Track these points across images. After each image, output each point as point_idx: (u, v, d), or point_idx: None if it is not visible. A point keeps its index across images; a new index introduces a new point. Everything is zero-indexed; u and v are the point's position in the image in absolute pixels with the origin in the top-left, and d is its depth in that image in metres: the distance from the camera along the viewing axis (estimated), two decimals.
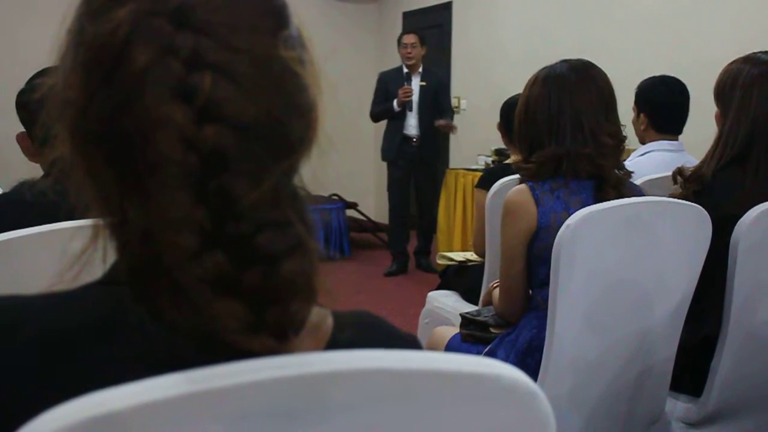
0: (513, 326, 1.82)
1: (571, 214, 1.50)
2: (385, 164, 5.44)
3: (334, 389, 0.48)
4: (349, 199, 6.30)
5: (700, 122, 2.56)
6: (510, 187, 1.79)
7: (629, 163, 2.28)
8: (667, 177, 2.01)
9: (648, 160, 2.53)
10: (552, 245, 1.49)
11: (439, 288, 3.05)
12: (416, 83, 5.15)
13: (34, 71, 1.55)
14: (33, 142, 1.62)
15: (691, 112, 2.68)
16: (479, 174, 3.58)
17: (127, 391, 0.43)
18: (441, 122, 5.08)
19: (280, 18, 0.55)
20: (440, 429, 0.53)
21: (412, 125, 5.16)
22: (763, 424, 1.90)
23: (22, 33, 5.51)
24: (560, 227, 1.49)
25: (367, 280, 5.21)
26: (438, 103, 5.15)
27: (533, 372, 1.59)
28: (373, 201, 7.22)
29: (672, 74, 2.73)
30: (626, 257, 1.57)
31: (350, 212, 6.33)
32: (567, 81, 1.72)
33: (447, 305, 2.79)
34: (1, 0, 5.74)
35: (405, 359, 0.51)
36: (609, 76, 1.78)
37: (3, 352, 0.51)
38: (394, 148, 5.21)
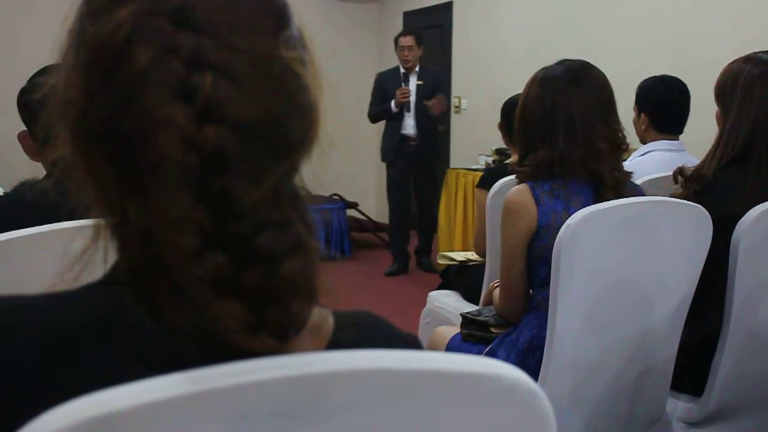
0: (513, 326, 1.82)
1: (572, 213, 1.50)
2: (385, 164, 5.44)
3: (334, 389, 0.48)
4: (350, 198, 6.30)
5: (701, 122, 2.55)
6: (510, 187, 1.79)
7: (629, 163, 2.29)
8: (667, 177, 2.01)
9: (648, 160, 2.53)
10: (552, 245, 1.49)
11: (439, 288, 3.06)
12: (413, 83, 5.15)
13: (35, 71, 1.55)
14: (35, 141, 1.61)
15: (691, 112, 2.68)
16: (480, 174, 3.58)
17: (128, 391, 0.43)
18: (429, 102, 5.02)
19: (280, 18, 0.55)
20: (441, 429, 0.53)
21: (410, 125, 5.16)
22: (763, 423, 1.90)
23: (22, 33, 5.51)
24: (560, 227, 1.49)
25: (368, 280, 5.21)
26: None
27: (534, 372, 1.59)
28: (373, 201, 7.22)
29: (672, 74, 2.73)
30: (627, 257, 1.57)
31: (351, 212, 6.33)
32: (560, 83, 1.71)
33: (448, 305, 2.79)
34: (1, 0, 5.74)
35: (405, 359, 0.51)
36: (609, 76, 1.77)
37: (4, 352, 0.51)
38: (393, 148, 5.22)
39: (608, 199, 1.64)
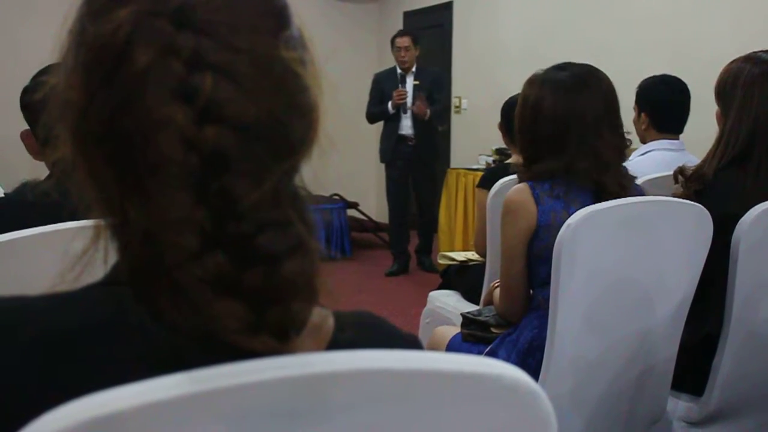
0: (514, 326, 1.82)
1: (571, 213, 1.50)
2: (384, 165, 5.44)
3: (335, 389, 0.48)
4: (351, 198, 6.30)
5: (701, 121, 2.55)
6: (511, 186, 1.79)
7: (629, 163, 2.28)
8: (668, 176, 2.01)
9: (649, 160, 2.53)
10: (552, 245, 1.49)
11: (440, 288, 3.06)
12: (410, 83, 5.15)
13: (35, 71, 1.54)
14: (37, 141, 1.61)
15: (691, 112, 2.68)
16: (480, 174, 3.59)
17: (128, 391, 0.43)
18: (412, 108, 5.05)
19: (280, 18, 0.55)
20: (441, 429, 0.53)
21: (407, 126, 5.16)
22: (764, 423, 1.90)
23: (22, 33, 5.51)
24: (560, 226, 1.49)
25: (369, 280, 5.21)
26: (432, 101, 5.14)
27: (534, 372, 1.59)
28: (374, 201, 7.22)
29: (673, 73, 2.73)
30: (627, 257, 1.57)
31: (351, 212, 6.33)
32: (570, 89, 1.68)
33: (448, 305, 2.79)
34: (1, 0, 5.74)
35: (406, 359, 0.52)
36: (609, 75, 1.76)
37: (5, 352, 0.51)
38: (391, 148, 5.22)
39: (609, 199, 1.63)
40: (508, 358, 1.73)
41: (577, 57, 1.92)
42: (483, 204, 2.53)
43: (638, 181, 1.94)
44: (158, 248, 0.50)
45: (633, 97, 2.69)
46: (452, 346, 2.01)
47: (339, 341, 0.59)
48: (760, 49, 1.93)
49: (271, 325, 0.51)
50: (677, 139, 2.66)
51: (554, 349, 1.54)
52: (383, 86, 5.18)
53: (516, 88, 3.07)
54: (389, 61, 5.28)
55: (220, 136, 0.49)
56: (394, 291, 4.98)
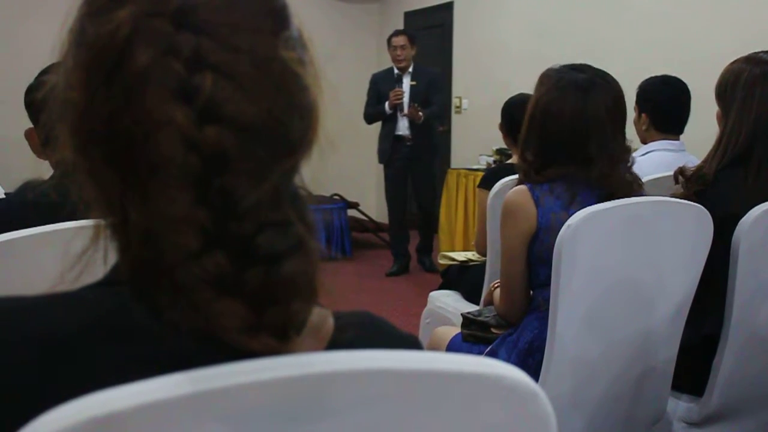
0: (514, 326, 1.82)
1: (571, 214, 1.50)
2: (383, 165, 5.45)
3: (335, 390, 0.48)
4: (351, 199, 6.30)
5: (702, 122, 2.55)
6: (511, 186, 1.78)
7: None
8: (668, 177, 2.01)
9: (649, 160, 2.53)
10: (552, 246, 1.49)
11: (440, 288, 3.05)
12: (407, 83, 5.15)
13: (36, 71, 1.54)
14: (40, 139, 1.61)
15: (692, 112, 2.68)
16: (481, 174, 3.59)
17: (128, 391, 0.43)
18: (405, 114, 5.06)
19: (280, 18, 0.55)
20: (441, 429, 0.53)
21: (404, 126, 5.16)
22: (764, 423, 1.90)
23: (23, 33, 5.51)
24: (560, 228, 1.49)
25: (369, 280, 5.21)
26: (429, 103, 5.14)
27: (534, 372, 1.59)
28: (374, 201, 7.22)
29: (673, 73, 2.73)
30: (627, 257, 1.57)
31: (352, 212, 6.33)
32: (588, 92, 1.66)
33: (448, 305, 2.79)
34: (1, 1, 5.74)
35: (406, 360, 0.52)
36: (610, 75, 1.76)
37: (4, 352, 0.51)
38: (388, 149, 5.22)
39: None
40: (508, 359, 1.73)
41: (578, 57, 1.92)
42: (484, 204, 2.53)
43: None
44: (158, 248, 0.50)
45: (633, 98, 2.69)
46: (452, 347, 2.01)
47: (339, 341, 0.59)
48: (761, 49, 1.93)
49: (271, 325, 0.51)
50: (678, 139, 2.66)
51: (554, 349, 1.54)
52: (380, 87, 5.18)
53: (516, 88, 3.07)
54: (389, 61, 5.28)
55: (221, 136, 0.49)
56: (394, 291, 4.98)
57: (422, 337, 2.65)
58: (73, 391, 0.43)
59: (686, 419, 1.84)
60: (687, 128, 2.68)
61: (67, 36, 0.54)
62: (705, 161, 1.88)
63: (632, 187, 1.70)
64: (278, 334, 0.52)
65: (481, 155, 5.27)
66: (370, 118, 5.30)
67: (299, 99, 0.54)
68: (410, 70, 5.16)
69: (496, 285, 1.94)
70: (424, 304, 2.95)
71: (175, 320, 0.50)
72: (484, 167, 4.83)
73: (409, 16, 7.04)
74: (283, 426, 0.46)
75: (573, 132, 1.66)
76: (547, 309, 1.56)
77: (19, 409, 0.46)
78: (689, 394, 1.85)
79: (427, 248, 5.47)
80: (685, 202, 1.66)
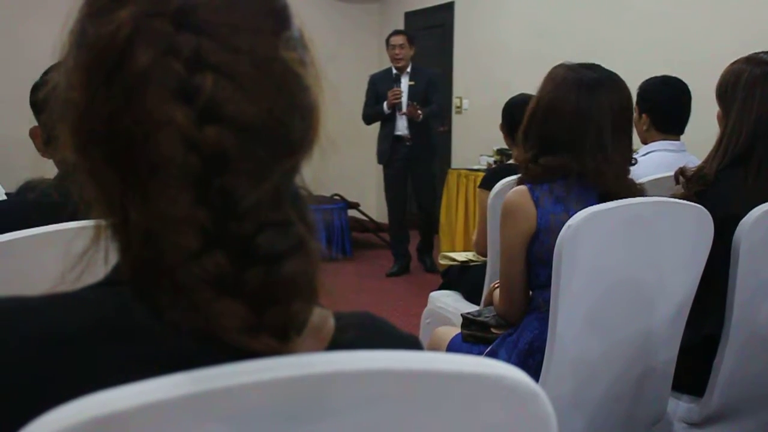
0: (514, 327, 1.82)
1: (572, 215, 1.50)
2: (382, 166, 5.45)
3: (335, 390, 0.48)
4: (351, 199, 6.30)
5: (702, 122, 2.55)
6: (512, 187, 1.78)
7: None
8: (669, 177, 2.00)
9: (649, 161, 2.53)
10: (552, 247, 1.49)
11: (441, 288, 3.05)
12: (405, 83, 5.14)
13: (37, 72, 1.54)
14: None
15: (692, 113, 2.67)
16: (481, 174, 3.59)
17: (129, 391, 0.43)
18: (404, 113, 5.06)
19: (281, 19, 0.55)
20: (441, 429, 0.53)
21: (402, 126, 5.16)
22: (765, 423, 1.89)
23: (24, 33, 5.51)
24: (559, 229, 1.49)
25: (369, 281, 5.21)
26: (428, 102, 5.13)
27: (535, 372, 1.59)
28: (374, 201, 7.22)
29: (673, 74, 2.73)
30: (628, 257, 1.57)
31: (352, 212, 6.33)
32: (594, 90, 1.66)
33: (449, 305, 2.79)
34: (2, 0, 5.74)
35: (406, 360, 0.52)
36: (621, 79, 1.77)
37: (5, 353, 0.51)
38: (388, 149, 5.22)
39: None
40: (508, 359, 1.73)
41: (578, 57, 1.92)
42: (484, 204, 2.53)
43: (639, 182, 1.94)
44: (159, 248, 0.50)
45: (633, 98, 2.69)
46: (452, 347, 2.01)
47: (339, 342, 0.59)
48: (761, 49, 1.93)
49: (271, 325, 0.51)
50: (678, 140, 2.66)
51: (555, 349, 1.54)
52: (378, 87, 5.18)
53: (517, 88, 3.07)
54: (390, 62, 5.28)
55: (221, 136, 0.49)
56: (395, 291, 4.98)
57: (422, 337, 2.65)
58: (74, 391, 0.43)
59: (687, 419, 1.84)
60: (687, 128, 2.68)
61: (68, 36, 0.54)
62: (705, 162, 1.88)
63: (632, 189, 1.70)
64: (279, 335, 0.52)
65: (481, 155, 5.27)
66: (368, 119, 5.30)
67: (300, 99, 0.54)
68: (408, 70, 5.16)
69: (495, 285, 1.94)
70: (425, 305, 2.95)
71: (176, 320, 0.51)
72: (485, 167, 4.83)
73: (409, 16, 7.04)
74: (284, 426, 0.46)
75: (572, 126, 1.67)
76: (547, 310, 1.56)
77: (19, 409, 0.46)
78: (690, 395, 1.85)
79: (427, 248, 5.47)
80: (686, 202, 1.65)
